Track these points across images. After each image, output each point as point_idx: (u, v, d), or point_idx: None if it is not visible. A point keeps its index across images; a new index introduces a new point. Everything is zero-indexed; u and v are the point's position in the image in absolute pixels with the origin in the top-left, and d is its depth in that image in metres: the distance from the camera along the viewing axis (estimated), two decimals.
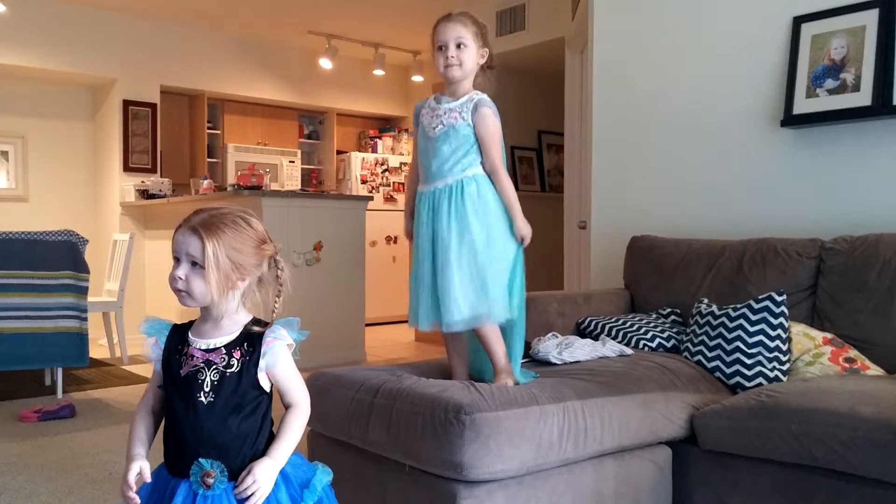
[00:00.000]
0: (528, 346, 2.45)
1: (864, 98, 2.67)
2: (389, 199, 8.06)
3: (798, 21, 2.89)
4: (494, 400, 1.81)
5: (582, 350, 2.38)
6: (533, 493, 1.82)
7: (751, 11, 3.07)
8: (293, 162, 7.68)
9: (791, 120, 2.87)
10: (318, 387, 2.14)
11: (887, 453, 1.70)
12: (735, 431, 2.00)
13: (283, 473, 1.33)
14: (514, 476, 1.79)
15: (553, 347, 2.38)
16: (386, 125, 8.53)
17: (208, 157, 7.21)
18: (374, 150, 8.19)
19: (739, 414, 2.01)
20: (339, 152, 8.13)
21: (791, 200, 2.93)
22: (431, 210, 2.10)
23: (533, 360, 2.38)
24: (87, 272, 4.23)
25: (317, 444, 2.22)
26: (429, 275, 2.09)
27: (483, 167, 2.10)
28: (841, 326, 2.41)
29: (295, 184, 7.56)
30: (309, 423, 2.18)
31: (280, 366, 1.34)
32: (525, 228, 2.12)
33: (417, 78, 7.54)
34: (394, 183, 8.12)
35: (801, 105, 2.85)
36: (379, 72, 7.30)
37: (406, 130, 8.40)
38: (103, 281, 5.66)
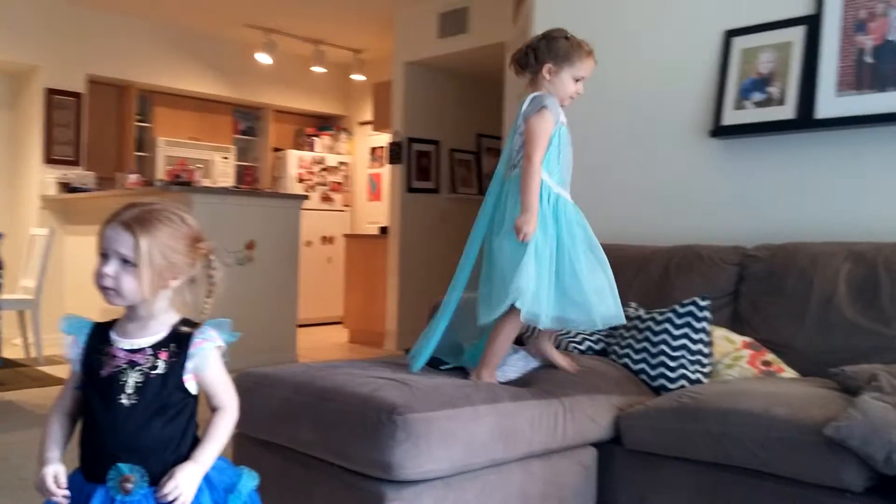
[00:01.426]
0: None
1: (788, 111, 2.79)
2: (326, 198, 7.97)
3: (729, 35, 3.00)
4: (428, 399, 1.81)
5: (514, 368, 2.36)
6: (461, 494, 1.83)
7: (685, 24, 3.16)
8: (227, 158, 7.51)
9: (719, 131, 2.98)
10: (245, 387, 2.08)
11: (799, 452, 1.77)
12: (658, 432, 2.06)
13: (207, 478, 1.29)
14: (443, 476, 1.79)
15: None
16: (325, 124, 8.44)
17: (137, 150, 6.98)
18: (312, 149, 8.09)
19: (662, 415, 2.07)
20: (275, 150, 7.99)
21: (717, 209, 3.03)
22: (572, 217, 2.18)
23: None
24: (2, 268, 4.03)
25: (242, 446, 2.17)
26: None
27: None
28: (760, 331, 2.50)
29: (228, 181, 7.40)
30: (236, 425, 2.15)
31: (209, 369, 1.31)
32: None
33: (358, 77, 7.49)
34: (331, 182, 8.04)
35: (730, 116, 2.95)
36: (318, 69, 7.21)
37: (345, 130, 8.34)
38: (18, 277, 5.42)
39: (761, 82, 2.88)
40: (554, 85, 2.16)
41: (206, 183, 6.92)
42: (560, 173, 2.17)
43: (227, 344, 1.33)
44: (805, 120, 2.73)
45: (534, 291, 2.01)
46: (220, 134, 7.61)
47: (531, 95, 2.17)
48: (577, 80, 2.17)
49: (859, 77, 2.62)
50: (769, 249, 2.61)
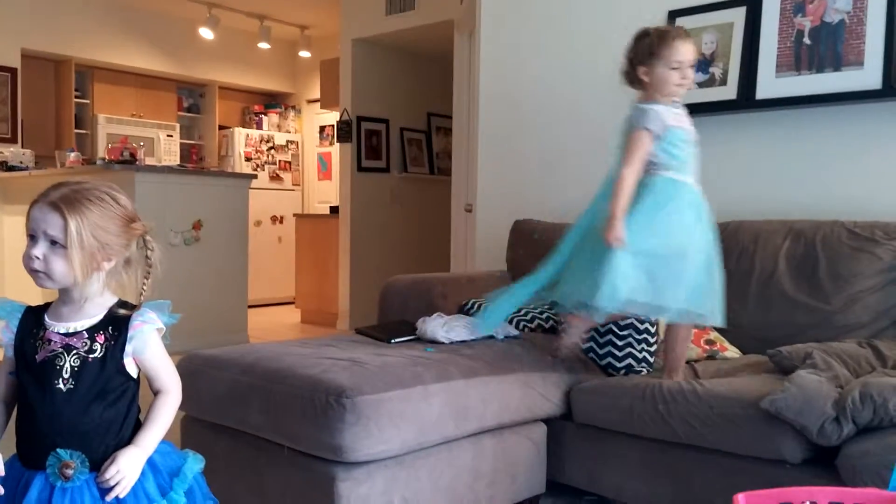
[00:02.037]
0: (413, 326, 2.46)
1: (730, 92, 2.84)
2: (275, 177, 7.85)
3: (673, 15, 3.03)
4: (377, 380, 1.80)
5: (469, 329, 2.40)
6: (413, 473, 1.84)
7: (631, 5, 3.18)
8: (171, 136, 7.32)
9: None
10: (192, 369, 2.07)
11: (739, 428, 1.83)
12: (608, 408, 2.11)
13: (150, 462, 1.27)
14: (395, 456, 1.80)
15: (440, 327, 2.40)
16: (272, 101, 8.28)
17: (76, 128, 6.75)
18: (260, 127, 7.94)
19: (613, 391, 2.12)
20: (221, 127, 7.82)
21: None
22: (697, 209, 2.13)
23: (420, 340, 2.39)
24: None
25: (190, 429, 2.14)
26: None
27: None
28: None
29: (173, 159, 7.21)
30: (182, 408, 2.11)
31: (149, 351, 1.28)
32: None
33: (304, 53, 7.36)
34: (280, 161, 7.92)
35: None
36: (264, 45, 7.06)
37: (293, 107, 8.20)
38: None
39: (704, 63, 2.93)
40: (654, 85, 2.12)
41: (151, 162, 6.74)
42: (678, 170, 2.13)
43: (167, 325, 1.30)
44: (746, 100, 2.79)
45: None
46: (163, 111, 7.41)
47: (635, 105, 2.16)
48: (674, 69, 2.08)
49: (798, 58, 2.68)
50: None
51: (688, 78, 2.10)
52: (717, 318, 2.07)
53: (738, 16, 2.86)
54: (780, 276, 2.43)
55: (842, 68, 2.57)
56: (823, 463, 1.75)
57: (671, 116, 2.11)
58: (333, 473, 1.72)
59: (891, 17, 2.48)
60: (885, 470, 1.54)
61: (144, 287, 1.30)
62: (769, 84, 2.73)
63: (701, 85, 2.92)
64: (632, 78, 2.18)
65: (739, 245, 2.55)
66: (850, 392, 1.71)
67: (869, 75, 2.51)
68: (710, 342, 2.42)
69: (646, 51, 2.12)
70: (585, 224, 2.23)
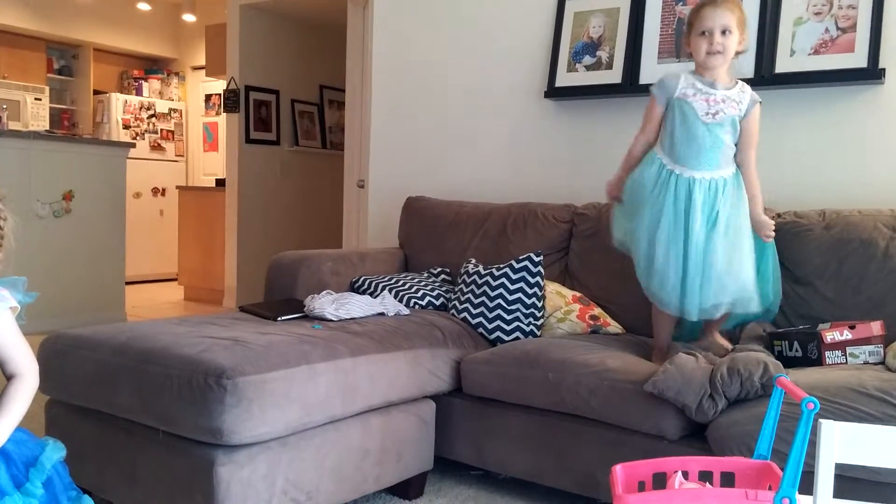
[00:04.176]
0: (301, 303, 2.40)
1: (615, 76, 2.92)
2: (157, 147, 7.45)
3: None
4: (260, 360, 1.74)
5: (359, 306, 2.37)
6: (297, 454, 1.79)
7: None
8: (39, 100, 6.79)
9: (553, 92, 3.07)
10: (58, 349, 1.93)
11: (625, 401, 1.90)
12: (498, 377, 2.14)
13: (3, 452, 1.17)
14: (278, 437, 1.75)
15: (329, 304, 2.35)
16: (153, 66, 7.83)
17: None
18: (140, 93, 7.50)
19: (505, 361, 2.16)
20: (96, 92, 7.32)
21: (552, 168, 3.14)
22: (713, 196, 2.05)
23: (308, 317, 2.33)
24: None
25: (55, 414, 2.00)
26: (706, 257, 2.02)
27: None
28: (588, 286, 2.64)
29: (42, 124, 6.70)
30: (46, 392, 1.97)
31: (0, 331, 1.17)
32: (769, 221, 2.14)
33: (189, 17, 6.99)
34: (162, 130, 7.51)
35: (563, 78, 3.04)
36: (144, 6, 6.65)
37: (177, 74, 7.78)
38: None
39: (592, 46, 2.99)
40: (694, 56, 2.11)
41: (15, 126, 6.22)
42: (671, 146, 2.09)
43: (21, 304, 1.19)
44: (631, 85, 2.87)
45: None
46: (30, 72, 6.85)
47: None
48: (702, 34, 2.05)
49: (677, 46, 2.78)
50: (596, 208, 2.75)
51: (717, 44, 2.03)
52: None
53: (624, 1, 2.93)
54: None
55: None
56: (698, 436, 1.84)
57: (689, 89, 2.08)
58: (212, 457, 1.65)
59: (763, 9, 2.61)
60: (751, 438, 1.64)
61: None
62: (652, 69, 2.82)
63: (589, 68, 2.98)
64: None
65: None
66: (719, 368, 1.80)
67: (742, 64, 2.63)
68: (594, 317, 2.49)
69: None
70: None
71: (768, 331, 2.16)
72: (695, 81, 2.09)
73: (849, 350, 1.94)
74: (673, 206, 2.05)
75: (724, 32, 2.03)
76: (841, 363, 1.94)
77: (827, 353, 1.95)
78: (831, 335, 1.96)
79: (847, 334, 1.95)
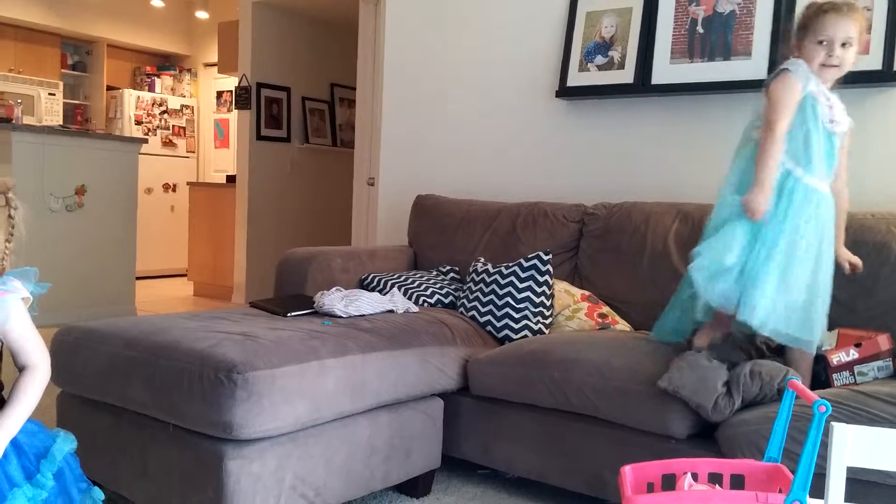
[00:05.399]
0: (311, 300, 2.41)
1: (627, 76, 2.91)
2: (168, 143, 7.48)
3: None
4: (271, 355, 1.75)
5: (368, 303, 2.37)
6: (306, 450, 1.80)
7: None
8: (54, 95, 6.83)
9: (565, 91, 3.06)
10: (69, 343, 1.94)
11: (632, 401, 1.89)
12: (504, 378, 2.14)
13: (14, 443, 1.17)
14: (288, 433, 1.75)
15: (338, 301, 2.35)
16: (166, 63, 7.86)
17: None
18: (152, 89, 7.53)
19: (510, 361, 2.15)
20: (109, 88, 7.36)
21: (562, 167, 3.13)
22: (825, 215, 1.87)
23: (317, 314, 2.34)
24: None
25: (67, 407, 2.01)
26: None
27: None
28: (597, 285, 2.64)
29: (56, 119, 6.74)
30: (59, 384, 1.98)
31: (13, 322, 1.18)
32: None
33: (202, 14, 7.02)
34: (174, 126, 7.54)
35: (574, 78, 3.04)
36: (158, 3, 6.68)
37: (189, 71, 7.81)
38: None
39: (604, 46, 2.98)
40: (802, 58, 1.90)
41: (30, 121, 6.27)
42: (795, 151, 1.86)
43: (34, 295, 1.20)
44: (643, 85, 2.86)
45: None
46: (45, 68, 6.89)
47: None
48: (820, 43, 1.85)
49: (690, 46, 2.77)
50: (606, 208, 2.74)
51: (835, 58, 1.84)
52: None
53: (636, 1, 2.92)
54: (669, 256, 2.52)
55: (731, 58, 2.68)
56: (705, 436, 1.84)
57: (815, 87, 1.86)
58: (222, 452, 1.66)
59: (778, 10, 2.60)
60: (760, 437, 1.63)
61: (7, 251, 1.19)
62: (664, 70, 2.81)
63: (601, 68, 2.98)
64: (788, 52, 1.97)
65: (632, 225, 2.63)
66: (742, 368, 1.80)
67: (756, 65, 2.62)
68: (602, 315, 2.49)
69: (799, 24, 1.92)
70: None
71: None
72: (818, 83, 1.86)
73: (857, 369, 1.85)
74: (806, 221, 1.84)
75: (844, 45, 1.85)
76: (850, 384, 1.84)
77: (834, 376, 1.86)
78: (837, 357, 1.84)
79: (853, 353, 1.85)
